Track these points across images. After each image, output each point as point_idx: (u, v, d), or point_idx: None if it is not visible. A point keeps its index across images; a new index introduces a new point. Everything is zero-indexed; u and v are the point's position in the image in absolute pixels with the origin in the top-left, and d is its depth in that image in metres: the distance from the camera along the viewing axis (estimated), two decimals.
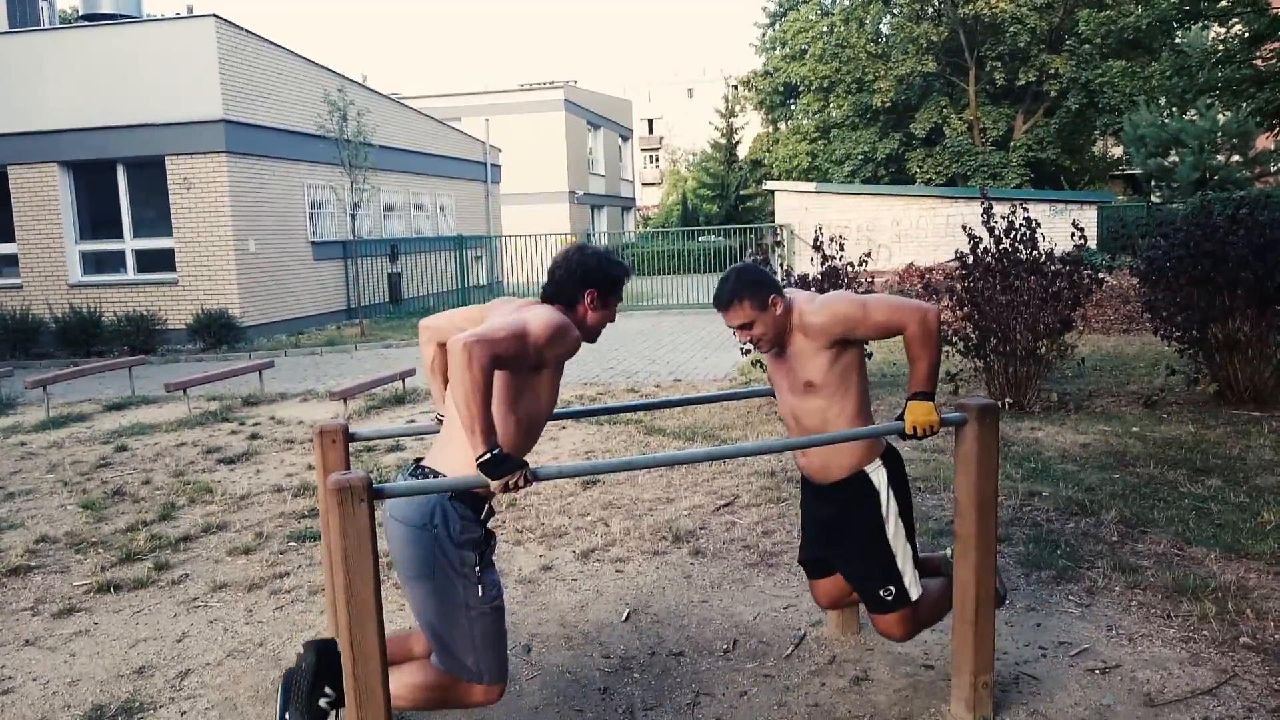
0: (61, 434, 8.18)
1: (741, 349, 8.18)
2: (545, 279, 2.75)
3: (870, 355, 8.24)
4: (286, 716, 2.72)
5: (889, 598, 2.99)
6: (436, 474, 2.58)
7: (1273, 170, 23.85)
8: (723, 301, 2.93)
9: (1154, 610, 3.67)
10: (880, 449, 3.04)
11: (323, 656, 2.71)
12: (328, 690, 2.70)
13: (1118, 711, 2.97)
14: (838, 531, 3.07)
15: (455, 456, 2.55)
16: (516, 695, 3.25)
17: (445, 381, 2.82)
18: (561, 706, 3.17)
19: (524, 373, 2.55)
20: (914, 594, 3.01)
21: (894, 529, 2.99)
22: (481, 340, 2.33)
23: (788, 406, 3.06)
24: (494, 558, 2.70)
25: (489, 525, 2.64)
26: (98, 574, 4.58)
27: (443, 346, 2.82)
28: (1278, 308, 6.73)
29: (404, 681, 2.62)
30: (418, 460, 2.69)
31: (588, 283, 2.68)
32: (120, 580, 4.48)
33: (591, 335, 2.77)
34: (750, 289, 2.89)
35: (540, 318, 2.52)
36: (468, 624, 2.57)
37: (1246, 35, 10.83)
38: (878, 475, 3.00)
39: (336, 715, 2.73)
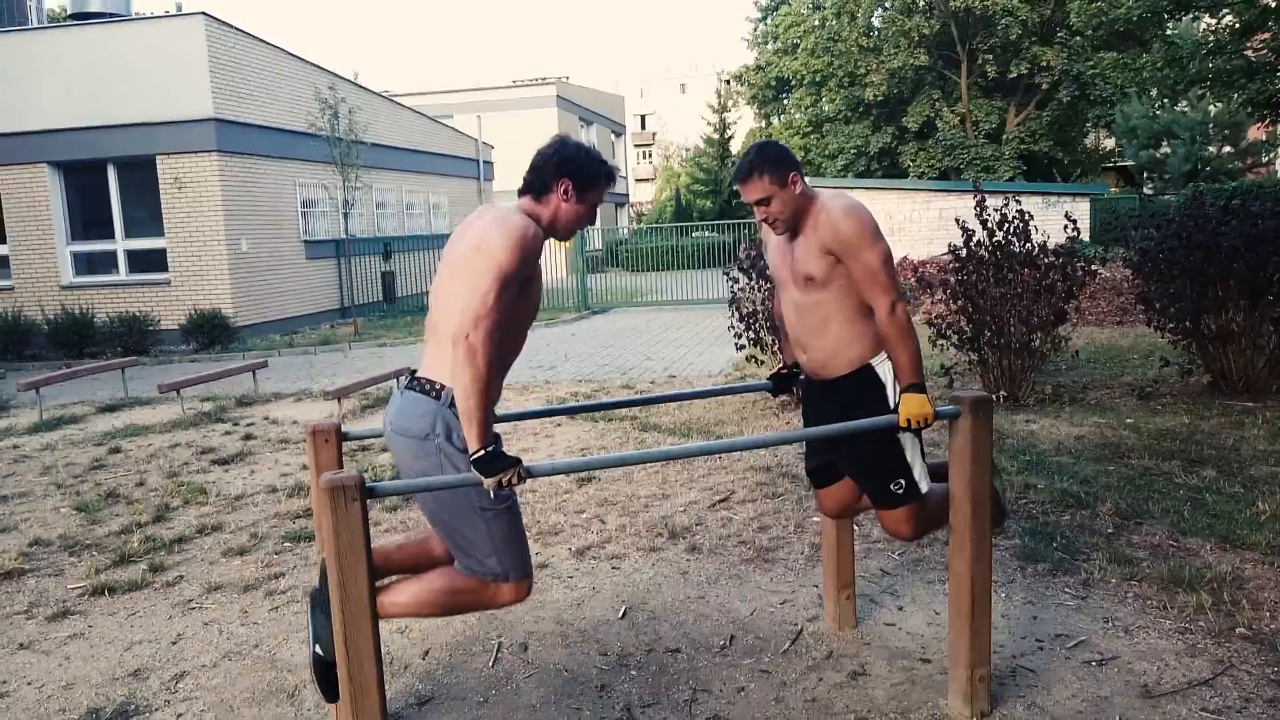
0: (55, 436, 8.15)
1: (736, 344, 8.18)
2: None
3: None
4: (316, 618, 2.68)
5: (899, 491, 2.94)
6: (434, 384, 2.54)
7: (1264, 161, 23.93)
8: (742, 174, 2.87)
9: (1150, 602, 3.68)
10: None
11: None
12: None
13: (1115, 703, 2.97)
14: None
15: (448, 363, 2.50)
16: (514, 693, 3.24)
17: None
18: (559, 704, 3.17)
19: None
20: (924, 486, 2.96)
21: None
22: (479, 326, 2.31)
23: (788, 300, 3.01)
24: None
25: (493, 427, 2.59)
26: (92, 576, 4.56)
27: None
28: (1270, 298, 6.74)
29: (431, 587, 2.60)
30: (413, 373, 2.65)
31: (562, 171, 2.61)
32: (115, 583, 4.46)
33: (564, 231, 2.69)
34: (771, 163, 2.84)
35: (503, 244, 2.43)
36: (484, 525, 2.54)
37: (1237, 26, 10.84)
38: (884, 367, 2.93)
39: None
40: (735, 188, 2.92)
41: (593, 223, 2.76)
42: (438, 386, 2.53)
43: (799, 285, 2.94)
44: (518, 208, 2.64)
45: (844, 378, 2.97)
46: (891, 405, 2.92)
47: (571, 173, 2.62)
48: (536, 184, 2.64)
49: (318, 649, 2.69)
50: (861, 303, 2.90)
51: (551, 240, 2.74)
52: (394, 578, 2.78)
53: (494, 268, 2.41)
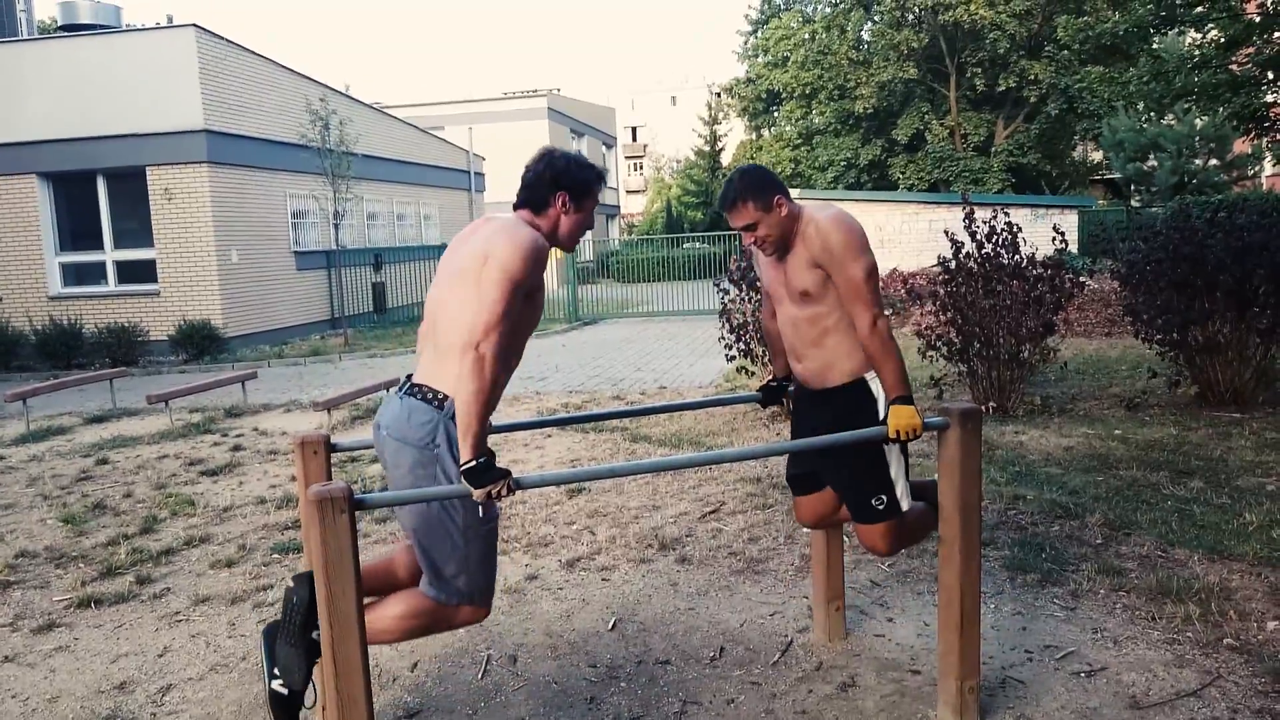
0: (41, 447, 8.10)
1: (727, 355, 8.19)
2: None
3: None
4: (277, 649, 2.67)
5: (880, 506, 2.96)
6: (436, 393, 2.52)
7: (1250, 174, 24.11)
8: (727, 201, 2.90)
9: (1138, 612, 3.69)
10: None
11: (314, 590, 2.61)
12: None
13: (1103, 714, 2.98)
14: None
15: (450, 373, 2.51)
16: (503, 706, 3.23)
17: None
18: (548, 716, 3.15)
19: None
20: (905, 504, 2.98)
21: None
22: (489, 337, 2.33)
23: (786, 315, 3.02)
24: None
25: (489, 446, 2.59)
26: (78, 589, 4.52)
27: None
28: (1256, 310, 6.79)
29: (393, 614, 2.60)
30: (409, 377, 2.64)
31: (558, 185, 2.62)
32: (101, 595, 4.43)
33: (567, 242, 2.71)
34: (754, 189, 2.86)
35: (510, 251, 2.44)
36: (464, 544, 2.54)
37: (1222, 40, 10.95)
38: (877, 383, 2.95)
39: None
40: (721, 213, 2.95)
41: (591, 227, 2.76)
42: (440, 395, 2.52)
43: (795, 300, 2.96)
44: (519, 219, 2.64)
45: (837, 389, 2.99)
46: (882, 420, 2.93)
47: (567, 185, 2.63)
48: (534, 200, 2.64)
49: (276, 685, 2.67)
50: None
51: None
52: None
53: (505, 278, 2.42)
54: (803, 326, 2.97)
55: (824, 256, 2.84)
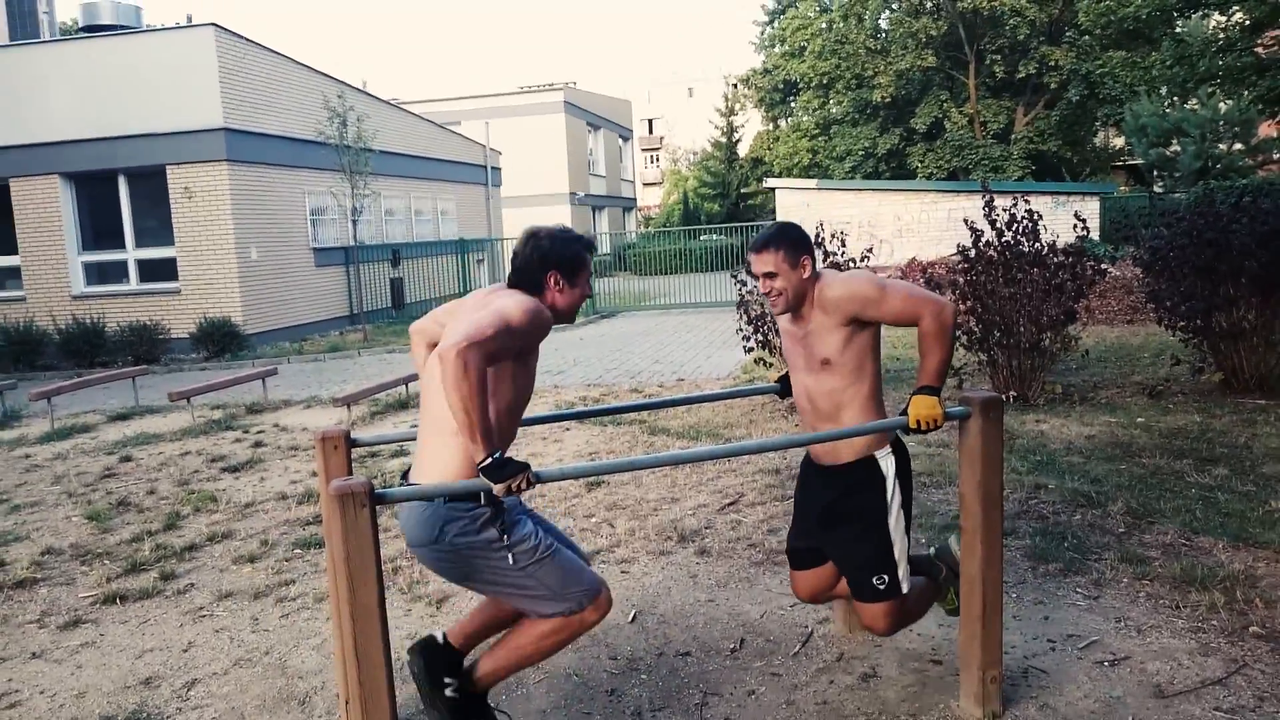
0: (66, 445, 8.19)
1: (744, 346, 8.17)
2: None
3: None
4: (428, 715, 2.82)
5: (881, 586, 2.97)
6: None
7: (1275, 158, 23.78)
8: (758, 244, 2.96)
9: (1162, 601, 3.65)
10: (890, 436, 3.02)
11: (426, 655, 2.77)
12: (447, 680, 2.76)
13: (1127, 703, 2.95)
14: (839, 515, 3.02)
15: (435, 463, 2.56)
16: (524, 699, 3.24)
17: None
18: (569, 709, 3.16)
19: (507, 361, 2.53)
20: (905, 586, 3.00)
21: (895, 518, 2.97)
22: (472, 343, 2.32)
23: (802, 386, 3.05)
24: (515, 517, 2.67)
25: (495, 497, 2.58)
26: (103, 585, 4.58)
27: (433, 347, 2.80)
28: None
29: (527, 641, 2.68)
30: (404, 474, 2.71)
31: (547, 266, 2.64)
32: (126, 591, 4.48)
33: (566, 316, 2.73)
34: (787, 242, 2.93)
35: (516, 305, 2.49)
36: (533, 580, 2.59)
37: (1247, 23, 10.81)
38: (886, 462, 2.98)
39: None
40: (748, 256, 3.02)
41: (591, 295, 2.78)
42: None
43: (813, 370, 2.98)
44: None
45: (846, 465, 3.01)
46: (888, 501, 2.97)
47: (556, 264, 2.65)
48: (527, 283, 2.65)
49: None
50: (872, 391, 2.96)
51: None
52: (486, 641, 2.89)
53: (502, 316, 2.44)
54: (819, 399, 2.99)
55: (857, 306, 2.86)
